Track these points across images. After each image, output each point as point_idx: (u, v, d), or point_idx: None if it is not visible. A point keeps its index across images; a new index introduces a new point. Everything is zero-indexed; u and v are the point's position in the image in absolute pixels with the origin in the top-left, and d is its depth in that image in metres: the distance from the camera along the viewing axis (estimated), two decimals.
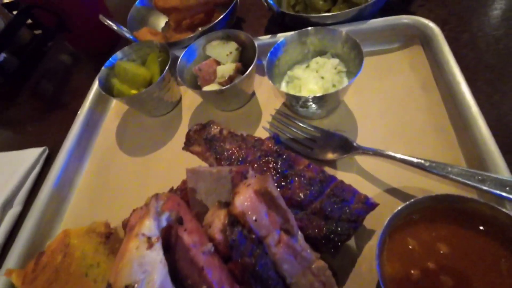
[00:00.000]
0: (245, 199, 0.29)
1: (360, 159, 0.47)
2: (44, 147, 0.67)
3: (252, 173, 0.34)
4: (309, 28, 0.53)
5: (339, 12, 0.59)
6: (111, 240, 0.49)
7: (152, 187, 0.54)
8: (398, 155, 0.40)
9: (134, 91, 0.60)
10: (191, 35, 0.65)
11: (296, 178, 0.36)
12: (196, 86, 0.59)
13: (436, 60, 0.52)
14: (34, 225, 0.51)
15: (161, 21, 0.85)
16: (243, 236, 0.28)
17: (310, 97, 0.45)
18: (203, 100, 0.62)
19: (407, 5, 0.68)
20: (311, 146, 0.49)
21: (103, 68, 0.60)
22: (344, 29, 0.53)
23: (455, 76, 0.47)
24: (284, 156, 0.38)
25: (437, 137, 0.46)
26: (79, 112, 0.65)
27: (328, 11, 0.68)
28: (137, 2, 0.79)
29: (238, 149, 0.39)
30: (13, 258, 0.47)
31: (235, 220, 0.29)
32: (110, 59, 0.61)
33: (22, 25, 0.90)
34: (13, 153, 0.68)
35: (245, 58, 0.59)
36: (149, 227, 0.28)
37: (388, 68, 0.57)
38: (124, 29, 0.65)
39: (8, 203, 0.59)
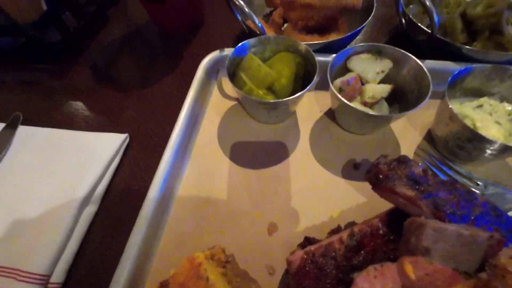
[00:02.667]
0: None
1: None
2: (126, 134, 0.56)
3: None
4: (505, 66, 0.47)
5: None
6: (228, 269, 0.41)
7: (267, 211, 0.46)
8: None
9: (262, 92, 0.51)
10: (324, 41, 0.57)
11: None
12: None
13: None
14: (138, 244, 0.40)
15: (262, 13, 0.77)
16: None
17: (501, 144, 0.40)
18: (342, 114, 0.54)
19: None
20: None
21: (230, 56, 0.51)
22: None
23: None
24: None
25: None
26: (185, 103, 0.54)
27: (465, 44, 0.64)
28: None
29: (456, 200, 0.32)
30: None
31: None
32: (240, 46, 0.52)
33: None
34: (89, 135, 0.55)
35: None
36: None
37: None
38: (255, 17, 0.55)
39: (86, 200, 0.48)
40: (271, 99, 0.50)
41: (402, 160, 0.35)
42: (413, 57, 0.49)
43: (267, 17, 0.76)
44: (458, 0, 0.66)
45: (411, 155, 0.51)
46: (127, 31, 0.80)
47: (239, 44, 0.52)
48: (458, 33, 0.62)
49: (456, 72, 0.46)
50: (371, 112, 0.45)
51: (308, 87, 0.46)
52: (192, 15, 0.76)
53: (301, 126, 0.56)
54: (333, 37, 0.60)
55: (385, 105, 0.51)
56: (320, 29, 0.68)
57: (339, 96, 0.45)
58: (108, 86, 0.67)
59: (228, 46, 0.63)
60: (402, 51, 0.50)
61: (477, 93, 0.51)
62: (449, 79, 0.46)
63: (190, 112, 0.54)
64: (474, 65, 0.47)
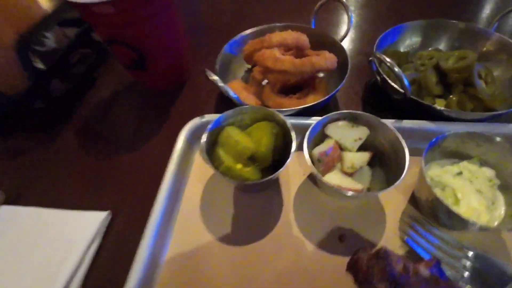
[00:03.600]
0: None
1: None
2: (107, 212, 0.55)
3: None
4: (479, 133, 0.47)
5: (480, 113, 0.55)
6: None
7: None
8: None
9: (239, 166, 0.50)
10: (304, 105, 0.58)
11: None
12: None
13: None
14: None
15: (241, 70, 0.79)
16: None
17: (485, 227, 0.39)
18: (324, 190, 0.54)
19: None
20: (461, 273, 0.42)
21: (207, 131, 0.51)
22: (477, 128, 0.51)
23: None
24: None
25: None
26: (165, 175, 0.53)
27: (441, 96, 0.65)
28: (225, 48, 0.72)
29: None
30: None
31: None
32: (217, 120, 0.52)
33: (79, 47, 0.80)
34: (69, 213, 0.54)
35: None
36: None
37: None
38: (230, 91, 0.56)
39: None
40: (250, 170, 0.50)
41: (382, 256, 0.34)
42: (388, 124, 0.50)
43: (248, 72, 0.78)
44: (430, 53, 0.69)
45: (396, 223, 0.50)
46: (115, 90, 0.81)
47: (216, 118, 0.53)
48: (432, 86, 0.63)
49: (428, 145, 0.46)
50: (349, 193, 0.44)
51: (281, 169, 0.46)
52: (177, 74, 0.78)
53: (284, 192, 0.56)
54: (310, 98, 0.61)
55: (366, 172, 0.51)
56: (298, 88, 0.69)
57: (318, 175, 0.45)
58: (94, 155, 0.66)
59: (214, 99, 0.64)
60: (377, 118, 0.51)
61: (456, 155, 0.51)
62: (424, 152, 0.46)
63: (170, 186, 0.53)
64: (446, 133, 0.47)
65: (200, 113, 0.64)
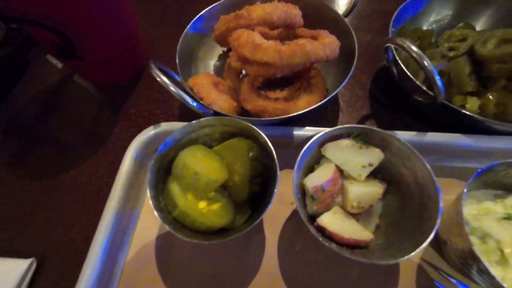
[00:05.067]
0: None
1: None
2: (31, 259, 0.41)
3: None
4: None
5: None
6: None
7: None
8: None
9: (202, 205, 0.36)
10: (294, 113, 0.42)
11: None
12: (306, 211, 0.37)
13: None
14: None
15: (214, 54, 0.60)
16: None
17: None
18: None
19: None
20: None
21: (155, 157, 0.36)
22: None
23: None
24: None
25: None
26: (105, 210, 0.39)
27: (474, 93, 0.49)
28: (188, 29, 0.53)
29: None
30: None
31: None
32: (167, 141, 0.37)
33: None
34: None
35: None
36: None
37: None
38: (187, 97, 0.40)
39: None
40: (218, 209, 0.36)
41: None
42: (413, 150, 0.35)
43: (224, 58, 0.60)
44: (462, 32, 0.51)
45: (414, 267, 0.37)
46: (49, 83, 0.62)
47: (166, 139, 0.37)
48: (465, 81, 0.47)
49: (474, 174, 0.32)
50: (347, 254, 0.30)
51: (261, 217, 0.32)
52: (128, 65, 0.59)
53: (267, 232, 0.42)
54: (303, 100, 0.45)
55: (376, 211, 0.37)
56: (288, 80, 0.53)
57: (307, 224, 0.31)
58: (15, 181, 0.50)
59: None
60: (397, 138, 0.36)
61: (500, 185, 0.37)
62: (466, 185, 0.32)
63: (113, 224, 0.39)
64: (494, 162, 0.33)
65: (157, 120, 0.48)
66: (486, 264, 0.29)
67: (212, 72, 0.59)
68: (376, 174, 0.38)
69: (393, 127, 0.44)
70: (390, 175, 0.38)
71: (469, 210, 0.36)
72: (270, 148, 0.36)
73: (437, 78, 0.36)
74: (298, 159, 0.35)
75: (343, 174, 0.38)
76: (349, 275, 0.38)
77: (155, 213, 0.33)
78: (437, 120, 0.48)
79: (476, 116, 0.41)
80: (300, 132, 0.44)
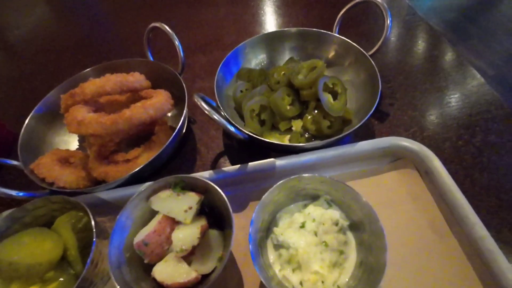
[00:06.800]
0: None
1: None
2: None
3: None
4: (303, 175, 0.40)
5: (314, 143, 0.49)
6: None
7: None
8: None
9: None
10: (125, 176, 0.45)
11: None
12: (141, 267, 0.39)
13: (442, 197, 0.44)
14: None
15: None
16: None
17: None
18: None
19: (378, 105, 0.62)
20: None
21: None
22: (328, 154, 0.47)
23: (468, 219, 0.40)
24: None
25: None
26: None
27: (300, 115, 0.58)
28: (34, 111, 0.55)
29: None
30: None
31: None
32: None
33: None
34: None
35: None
36: None
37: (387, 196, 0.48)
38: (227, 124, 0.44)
39: None
40: (57, 283, 0.37)
41: None
42: (213, 186, 0.40)
43: None
44: (282, 68, 0.62)
45: None
46: None
47: None
48: (284, 110, 0.56)
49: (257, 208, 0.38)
50: None
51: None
52: None
53: None
54: (143, 158, 0.49)
55: (212, 242, 0.41)
56: (139, 139, 0.57)
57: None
58: None
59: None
60: (204, 181, 0.40)
61: (310, 196, 0.44)
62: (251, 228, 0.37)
63: None
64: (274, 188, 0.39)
65: None
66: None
67: (76, 145, 0.61)
68: (210, 211, 0.42)
69: (242, 161, 0.49)
70: (213, 210, 0.43)
71: (281, 225, 0.41)
72: (89, 217, 0.39)
73: (228, 126, 0.43)
74: (117, 217, 0.38)
75: (174, 221, 0.41)
76: None
77: None
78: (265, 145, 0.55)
79: (272, 141, 0.48)
80: (132, 189, 0.47)
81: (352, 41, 0.60)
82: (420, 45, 0.76)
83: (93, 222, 0.38)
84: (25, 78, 0.84)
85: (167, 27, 0.57)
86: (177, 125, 0.50)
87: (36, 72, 0.86)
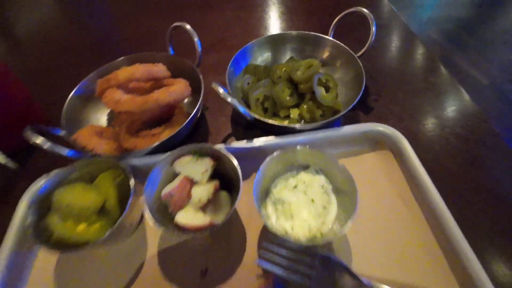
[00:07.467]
0: None
1: None
2: None
3: None
4: (298, 147, 0.50)
5: (307, 125, 0.59)
6: None
7: None
8: None
9: (81, 227, 0.46)
10: (153, 145, 0.56)
11: None
12: (166, 215, 0.49)
13: (409, 173, 0.55)
14: None
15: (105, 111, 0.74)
16: None
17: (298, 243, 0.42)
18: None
19: (364, 99, 0.73)
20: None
21: (34, 200, 0.46)
22: (318, 135, 0.57)
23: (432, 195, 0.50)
24: None
25: (426, 259, 0.47)
26: None
27: (297, 105, 0.69)
28: (72, 94, 0.66)
29: None
30: None
31: None
32: (43, 189, 0.47)
33: None
34: None
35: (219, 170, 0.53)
36: None
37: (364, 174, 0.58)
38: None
39: None
40: (98, 227, 0.47)
41: None
42: (225, 153, 0.50)
43: (112, 112, 0.73)
44: (284, 65, 0.72)
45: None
46: None
47: (41, 187, 0.48)
48: (284, 99, 0.66)
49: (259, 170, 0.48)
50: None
51: (116, 224, 0.44)
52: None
53: (148, 235, 0.53)
54: (166, 133, 0.60)
55: (222, 201, 0.51)
56: (160, 121, 0.67)
57: (152, 222, 0.44)
58: None
59: None
60: (215, 149, 0.51)
61: (302, 166, 0.54)
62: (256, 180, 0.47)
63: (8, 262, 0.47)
64: (268, 157, 0.49)
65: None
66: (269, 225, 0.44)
67: (106, 123, 0.72)
68: (221, 177, 0.53)
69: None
70: (225, 175, 0.53)
71: (278, 186, 0.51)
72: (128, 173, 0.49)
73: (239, 107, 0.54)
74: (148, 175, 0.48)
75: (193, 181, 0.51)
76: (210, 255, 0.50)
77: (32, 239, 0.43)
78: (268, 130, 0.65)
79: (272, 122, 0.59)
80: (157, 158, 0.57)
81: (346, 45, 0.71)
82: (405, 52, 0.87)
83: (131, 179, 0.48)
84: (56, 69, 0.95)
85: (188, 26, 0.67)
86: (192, 111, 0.61)
87: (66, 64, 0.97)
